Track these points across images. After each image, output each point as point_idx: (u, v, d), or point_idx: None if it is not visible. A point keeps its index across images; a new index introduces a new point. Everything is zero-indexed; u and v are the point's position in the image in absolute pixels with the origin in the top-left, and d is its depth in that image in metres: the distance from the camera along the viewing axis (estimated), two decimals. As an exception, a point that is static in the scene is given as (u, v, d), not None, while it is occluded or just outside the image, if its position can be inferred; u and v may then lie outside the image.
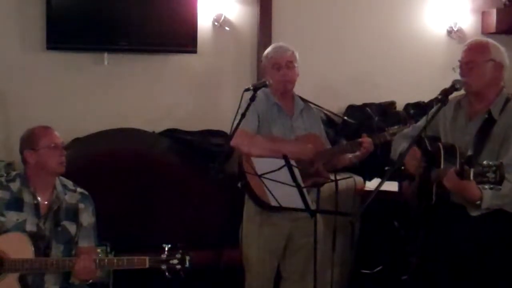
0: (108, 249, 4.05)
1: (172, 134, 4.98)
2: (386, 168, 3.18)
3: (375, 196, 2.67)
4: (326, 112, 4.50)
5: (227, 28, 5.09)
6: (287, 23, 5.19)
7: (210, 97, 5.15)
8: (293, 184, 3.08)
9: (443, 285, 3.17)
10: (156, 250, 3.14)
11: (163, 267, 3.11)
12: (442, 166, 3.05)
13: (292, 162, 3.06)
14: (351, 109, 5.24)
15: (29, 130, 3.30)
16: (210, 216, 4.48)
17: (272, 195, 3.22)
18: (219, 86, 5.15)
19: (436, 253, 3.19)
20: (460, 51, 3.22)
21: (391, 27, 5.43)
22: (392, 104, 5.33)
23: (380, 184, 2.74)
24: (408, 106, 5.31)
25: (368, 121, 5.02)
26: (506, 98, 3.13)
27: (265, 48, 3.92)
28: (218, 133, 4.97)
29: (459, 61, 3.18)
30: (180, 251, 3.13)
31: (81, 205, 3.32)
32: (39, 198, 3.22)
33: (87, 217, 3.32)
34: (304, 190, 3.11)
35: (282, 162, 3.05)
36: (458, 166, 2.88)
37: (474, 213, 3.02)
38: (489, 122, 3.08)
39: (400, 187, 3.24)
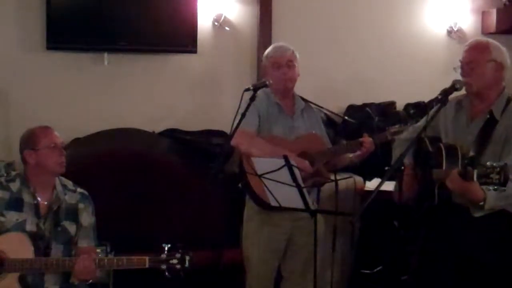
0: (108, 249, 4.05)
1: (172, 134, 4.98)
2: (386, 168, 3.18)
3: (375, 196, 2.67)
4: (326, 112, 4.50)
5: (227, 28, 5.09)
6: (287, 23, 5.19)
7: (210, 97, 5.15)
8: (293, 184, 3.08)
9: (443, 285, 3.17)
10: (156, 250, 3.13)
11: (163, 267, 3.11)
12: (444, 167, 3.04)
13: (292, 162, 3.06)
14: (351, 109, 5.24)
15: (29, 130, 3.30)
16: (210, 216, 4.48)
17: (272, 195, 3.22)
18: (219, 86, 5.15)
19: (437, 253, 3.19)
20: (460, 51, 3.22)
21: (391, 27, 5.44)
22: (392, 104, 5.33)
23: (380, 184, 2.73)
24: (408, 106, 5.31)
25: (368, 121, 5.02)
26: (508, 99, 3.12)
27: (265, 48, 3.92)
28: (218, 133, 4.97)
29: (460, 61, 3.18)
30: (180, 251, 3.13)
31: (81, 205, 3.31)
32: (39, 198, 3.22)
33: (87, 217, 3.32)
34: (304, 190, 3.11)
35: (282, 162, 3.05)
36: (461, 167, 2.88)
37: (477, 214, 3.01)
38: (491, 123, 3.07)
39: (400, 187, 3.24)
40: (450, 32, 5.48)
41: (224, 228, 4.33)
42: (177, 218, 4.46)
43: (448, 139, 3.21)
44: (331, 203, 3.35)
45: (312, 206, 3.26)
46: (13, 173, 3.40)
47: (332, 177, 3.32)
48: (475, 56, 3.13)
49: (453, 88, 3.03)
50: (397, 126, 3.68)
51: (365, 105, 5.26)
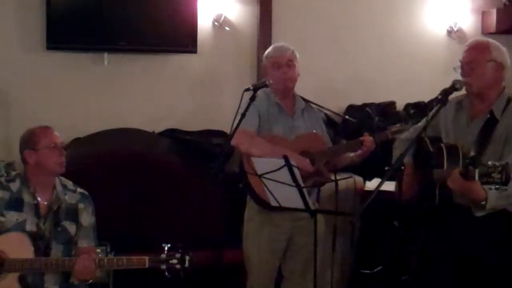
0: (108, 249, 4.05)
1: (172, 134, 4.98)
2: (386, 168, 3.18)
3: (375, 196, 2.67)
4: (326, 112, 4.50)
5: (227, 28, 5.09)
6: (287, 23, 5.19)
7: (210, 97, 5.15)
8: (293, 184, 3.08)
9: (443, 285, 3.17)
10: (156, 250, 3.13)
11: (163, 267, 3.11)
12: (445, 167, 3.04)
13: (292, 162, 3.06)
14: (351, 109, 5.24)
15: (29, 130, 3.29)
16: (210, 216, 4.47)
17: (272, 195, 3.22)
18: (219, 86, 5.15)
19: (437, 253, 3.19)
20: (460, 51, 3.22)
21: (391, 27, 5.44)
22: (392, 104, 5.33)
23: (380, 184, 2.73)
24: (408, 106, 5.32)
25: (368, 121, 5.02)
26: (508, 98, 3.12)
27: (265, 48, 3.92)
28: (218, 133, 4.97)
29: (460, 61, 3.18)
30: (180, 251, 3.13)
31: (81, 205, 3.31)
32: (39, 198, 3.22)
33: (87, 217, 3.32)
34: (304, 190, 3.11)
35: (282, 162, 3.05)
36: (462, 166, 2.88)
37: (479, 214, 3.01)
38: (491, 122, 3.07)
39: (400, 187, 3.24)
40: (450, 32, 5.48)
41: (224, 228, 4.33)
42: (177, 218, 4.46)
43: (449, 139, 3.21)
44: (331, 203, 3.35)
45: (313, 206, 3.26)
46: (13, 173, 3.40)
47: (332, 177, 3.32)
48: (475, 56, 3.13)
49: (453, 88, 3.03)
50: (398, 125, 3.68)
51: (365, 105, 5.26)
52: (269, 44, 4.44)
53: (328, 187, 3.46)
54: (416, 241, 3.33)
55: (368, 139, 3.59)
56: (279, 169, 3.07)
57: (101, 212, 3.42)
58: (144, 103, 5.02)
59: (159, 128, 4.98)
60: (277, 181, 3.11)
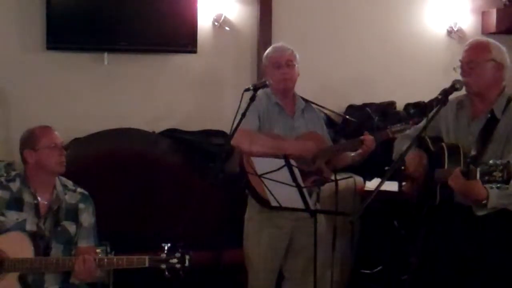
0: (108, 249, 4.05)
1: (172, 134, 4.97)
2: (386, 168, 3.18)
3: (375, 196, 2.67)
4: (327, 112, 4.50)
5: (227, 28, 5.09)
6: (287, 23, 5.19)
7: (210, 97, 5.15)
8: (293, 184, 3.08)
9: (443, 285, 3.17)
10: (156, 250, 3.13)
11: (163, 266, 3.10)
12: (446, 166, 3.04)
13: (292, 162, 3.06)
14: (351, 109, 5.24)
15: (29, 130, 3.29)
16: (210, 216, 4.47)
17: (272, 195, 3.22)
18: (219, 86, 5.15)
19: (437, 253, 3.19)
20: (460, 51, 3.21)
21: (391, 27, 5.44)
22: (392, 104, 5.33)
23: (380, 184, 2.73)
24: (408, 106, 5.32)
25: (368, 121, 5.02)
26: (508, 98, 3.12)
27: (265, 48, 3.92)
28: (218, 133, 4.97)
29: (460, 61, 3.18)
30: (180, 250, 3.13)
31: (81, 205, 3.31)
32: (39, 198, 3.22)
33: (87, 217, 3.32)
34: (304, 190, 3.11)
35: (282, 162, 3.05)
36: (463, 165, 2.88)
37: (480, 213, 3.00)
38: (492, 122, 3.07)
39: (400, 187, 3.24)
40: (450, 32, 5.48)
41: (224, 228, 4.33)
42: (177, 218, 4.40)
43: (449, 139, 3.21)
44: (331, 203, 3.34)
45: (313, 207, 3.26)
46: (13, 173, 3.40)
47: (332, 177, 3.32)
48: (475, 56, 3.12)
49: (453, 88, 3.03)
50: (398, 125, 3.68)
51: (365, 105, 5.26)
52: (269, 44, 4.44)
53: (328, 187, 3.45)
54: (416, 241, 3.33)
55: (368, 138, 3.59)
56: (279, 169, 3.07)
57: (101, 212, 3.42)
58: (144, 103, 5.02)
59: (159, 128, 4.98)
60: (277, 181, 3.11)
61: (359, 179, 4.49)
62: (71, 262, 3.11)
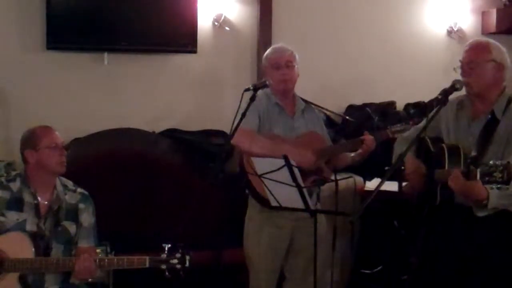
0: (108, 249, 4.05)
1: (172, 134, 4.97)
2: (386, 168, 3.18)
3: (375, 196, 2.67)
4: (326, 112, 4.50)
5: (227, 28, 5.09)
6: (287, 23, 5.19)
7: (210, 97, 5.15)
8: (293, 184, 3.08)
9: (443, 285, 3.17)
10: (156, 250, 3.13)
11: (163, 266, 3.10)
12: (446, 167, 3.04)
13: (292, 162, 3.06)
14: (351, 109, 5.24)
15: (29, 130, 3.30)
16: (210, 216, 4.47)
17: (272, 195, 3.22)
18: (219, 86, 5.15)
19: (437, 253, 3.19)
20: (460, 51, 3.21)
21: (391, 27, 5.44)
22: (392, 104, 5.33)
23: (380, 184, 2.73)
24: (408, 106, 5.32)
25: (368, 121, 5.02)
26: (508, 99, 3.12)
27: (265, 48, 3.93)
28: (218, 133, 4.97)
29: (460, 61, 3.18)
30: (180, 250, 3.13)
31: (81, 205, 3.31)
32: (39, 198, 3.22)
33: (87, 217, 3.32)
34: (304, 190, 3.11)
35: (282, 162, 3.05)
36: (463, 166, 2.88)
37: (480, 214, 3.01)
38: (492, 123, 3.07)
39: (400, 187, 3.23)
40: (450, 32, 5.49)
41: (224, 228, 4.33)
42: (177, 218, 4.41)
43: (450, 139, 3.21)
44: (331, 203, 3.35)
45: (313, 207, 3.26)
46: (14, 173, 3.41)
47: (332, 177, 3.32)
48: (475, 56, 3.12)
49: (453, 88, 3.03)
50: (398, 125, 3.68)
51: (365, 105, 5.26)
52: (269, 44, 4.45)
53: (328, 187, 3.45)
54: (416, 241, 3.33)
55: (368, 138, 3.59)
56: (279, 169, 3.07)
57: (101, 212, 3.42)
58: (144, 103, 5.02)
59: (159, 128, 4.97)
60: (277, 181, 3.11)
61: (359, 179, 4.49)
62: (71, 262, 3.11)
